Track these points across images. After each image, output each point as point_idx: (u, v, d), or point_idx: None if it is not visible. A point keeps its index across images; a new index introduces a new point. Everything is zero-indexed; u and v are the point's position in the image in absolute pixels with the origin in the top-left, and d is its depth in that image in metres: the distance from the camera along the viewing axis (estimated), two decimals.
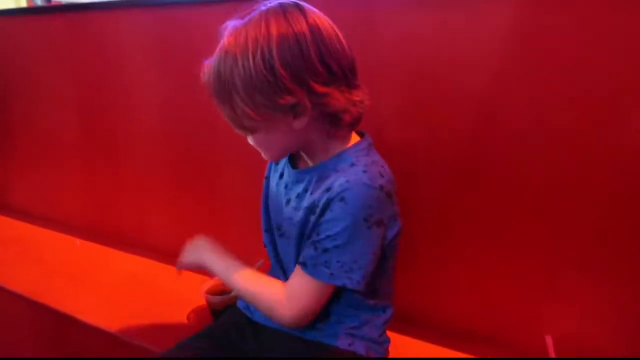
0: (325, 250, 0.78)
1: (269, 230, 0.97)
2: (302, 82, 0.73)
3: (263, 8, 0.76)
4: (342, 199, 0.75)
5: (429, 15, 1.01)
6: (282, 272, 0.95)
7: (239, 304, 1.01)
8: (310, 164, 0.87)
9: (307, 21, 0.74)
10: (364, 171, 0.77)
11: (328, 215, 0.77)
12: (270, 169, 0.99)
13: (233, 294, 1.08)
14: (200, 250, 0.96)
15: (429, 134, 1.07)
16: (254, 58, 0.72)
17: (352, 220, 0.75)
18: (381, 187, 0.77)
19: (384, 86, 1.09)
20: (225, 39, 0.76)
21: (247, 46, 0.72)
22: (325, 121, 0.79)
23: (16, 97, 1.88)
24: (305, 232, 0.83)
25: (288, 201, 0.88)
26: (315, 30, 0.74)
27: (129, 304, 1.28)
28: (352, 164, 0.79)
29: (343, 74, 0.77)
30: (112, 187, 1.71)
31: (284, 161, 0.94)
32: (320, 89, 0.74)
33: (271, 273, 0.97)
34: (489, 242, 1.06)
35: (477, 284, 1.10)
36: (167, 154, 1.53)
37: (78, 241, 1.69)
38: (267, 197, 0.98)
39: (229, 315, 1.01)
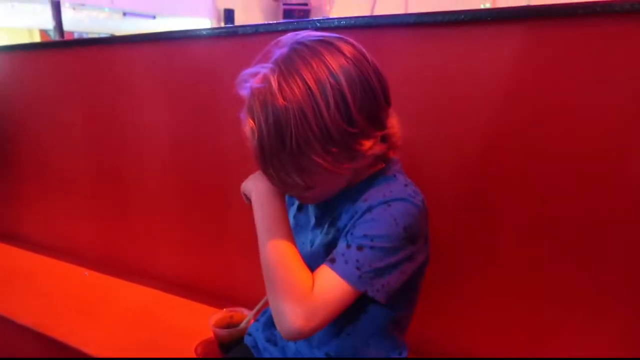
0: (360, 248, 0.69)
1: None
2: (376, 121, 0.70)
3: (304, 42, 0.68)
4: (387, 203, 0.70)
5: (437, 45, 1.03)
6: None
7: (246, 341, 1.00)
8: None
9: (359, 50, 0.69)
10: (405, 185, 0.75)
11: (368, 216, 0.71)
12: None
13: (241, 326, 1.07)
14: (259, 185, 0.81)
15: (437, 163, 1.07)
16: (327, 108, 0.64)
17: (394, 228, 0.69)
18: (423, 203, 0.74)
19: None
20: (274, 91, 0.65)
21: (312, 93, 0.64)
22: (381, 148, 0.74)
23: (28, 130, 1.91)
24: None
25: (312, 242, 0.83)
26: (370, 60, 0.69)
27: (137, 336, 1.27)
28: (390, 181, 0.75)
29: (390, 100, 0.74)
30: (121, 219, 1.71)
31: None
32: (388, 123, 0.72)
33: None
34: (502, 277, 1.05)
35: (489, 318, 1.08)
36: (176, 186, 1.54)
37: (86, 272, 1.68)
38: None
39: (236, 353, 0.99)
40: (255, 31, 1.25)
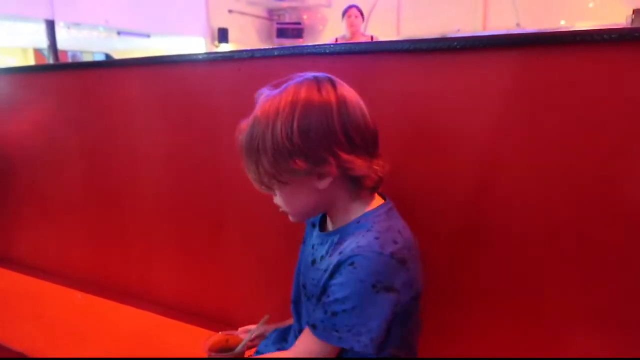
0: (334, 314, 0.78)
1: (297, 301, 0.98)
2: (324, 148, 0.78)
3: (299, 79, 0.82)
4: (351, 264, 0.77)
5: (428, 72, 1.05)
6: None
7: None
8: (333, 226, 0.89)
9: (335, 93, 0.79)
10: (376, 238, 0.79)
11: (338, 278, 0.79)
12: (307, 233, 1.01)
13: (237, 350, 1.06)
14: None
15: (431, 185, 1.09)
16: (280, 123, 0.77)
17: (360, 286, 0.76)
18: (392, 255, 0.78)
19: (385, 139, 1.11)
20: (260, 104, 0.81)
21: (278, 112, 0.78)
22: (348, 183, 0.83)
23: (22, 153, 1.91)
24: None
25: (314, 261, 0.90)
26: (341, 102, 0.79)
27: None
28: (368, 230, 0.81)
29: (364, 144, 0.81)
30: (116, 242, 1.71)
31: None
32: (344, 155, 0.79)
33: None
34: (497, 300, 1.06)
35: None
36: (171, 208, 1.55)
37: (80, 295, 1.67)
38: (300, 263, 0.99)
39: None
40: (251, 56, 1.27)
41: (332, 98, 0.79)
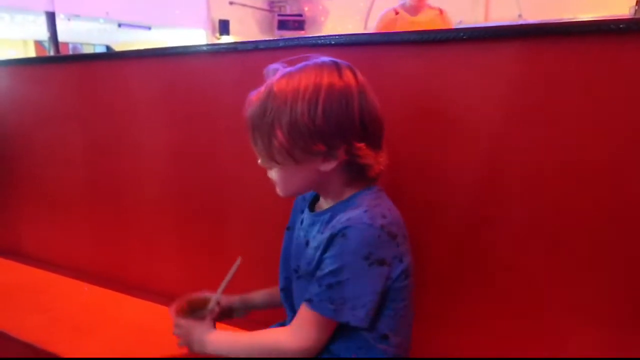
0: (330, 287, 0.80)
1: (286, 288, 0.98)
2: (340, 133, 0.80)
3: (317, 61, 0.82)
4: (343, 235, 0.79)
5: (434, 63, 1.04)
6: None
7: None
8: (325, 206, 0.90)
9: (356, 81, 0.81)
10: (365, 211, 0.81)
11: (331, 251, 0.80)
12: (294, 220, 1.01)
13: (210, 307, 0.99)
14: (202, 339, 0.93)
15: (435, 176, 1.09)
16: (302, 103, 0.77)
17: (352, 257, 0.79)
18: (382, 227, 0.80)
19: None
20: (276, 80, 0.81)
21: (298, 91, 0.78)
22: (349, 170, 0.85)
23: (26, 146, 1.91)
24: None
25: (307, 243, 0.91)
26: (361, 90, 0.81)
27: (136, 351, 1.27)
28: (358, 206, 0.83)
29: (374, 135, 0.83)
30: (120, 233, 1.72)
31: (305, 207, 0.97)
32: (356, 143, 0.81)
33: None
34: (500, 288, 1.06)
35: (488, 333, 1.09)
36: (174, 201, 1.55)
37: (86, 287, 1.68)
38: (287, 249, 0.99)
39: None
40: (255, 47, 1.26)
41: (353, 85, 0.80)
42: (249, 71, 1.30)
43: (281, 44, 1.22)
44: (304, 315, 0.84)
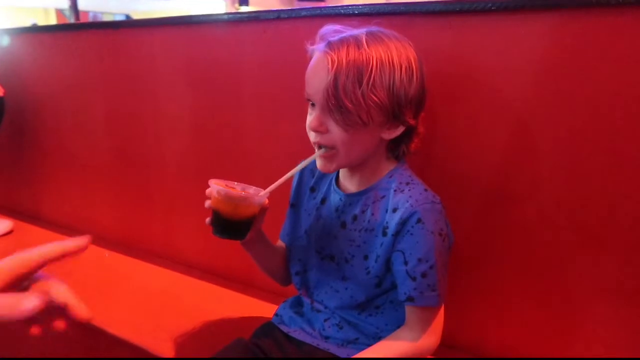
0: (424, 275, 0.80)
1: (303, 271, 0.99)
2: (419, 103, 0.83)
3: (387, 32, 0.80)
4: (419, 221, 0.79)
5: (461, 33, 1.01)
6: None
7: (274, 320, 1.01)
8: (358, 186, 0.89)
9: (419, 57, 0.82)
10: (425, 189, 0.83)
11: (410, 239, 0.80)
12: (299, 196, 1.00)
13: (261, 195, 0.92)
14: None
15: (463, 150, 1.07)
16: (404, 73, 0.78)
17: (431, 239, 0.80)
18: (440, 202, 0.83)
19: None
20: (362, 44, 0.76)
21: (394, 60, 0.77)
22: (392, 143, 0.86)
23: (47, 113, 1.92)
24: (371, 254, 0.86)
25: (343, 224, 0.90)
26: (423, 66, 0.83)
27: (157, 317, 1.30)
28: (408, 183, 0.84)
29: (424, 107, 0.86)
30: (142, 200, 1.73)
31: (323, 187, 0.96)
32: (422, 112, 0.85)
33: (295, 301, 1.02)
34: (523, 270, 1.05)
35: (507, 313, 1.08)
36: (195, 170, 1.55)
37: (107, 253, 1.71)
38: (296, 228, 1.00)
39: (263, 331, 1.01)
40: (277, 17, 1.24)
41: (420, 60, 0.82)
42: (270, 40, 1.29)
43: (303, 13, 1.20)
44: (415, 317, 0.84)
